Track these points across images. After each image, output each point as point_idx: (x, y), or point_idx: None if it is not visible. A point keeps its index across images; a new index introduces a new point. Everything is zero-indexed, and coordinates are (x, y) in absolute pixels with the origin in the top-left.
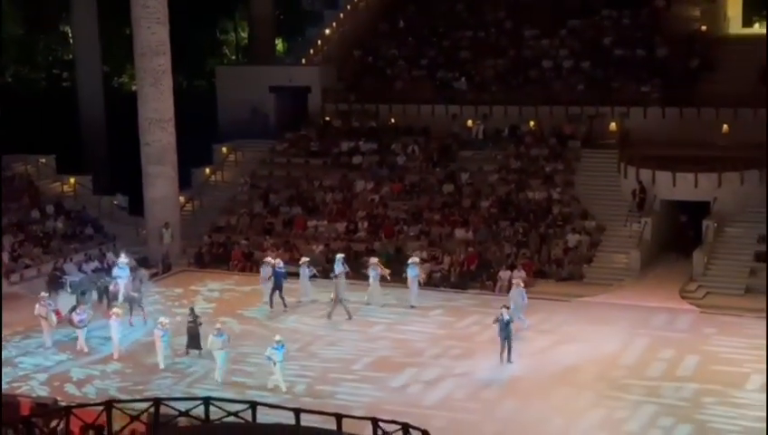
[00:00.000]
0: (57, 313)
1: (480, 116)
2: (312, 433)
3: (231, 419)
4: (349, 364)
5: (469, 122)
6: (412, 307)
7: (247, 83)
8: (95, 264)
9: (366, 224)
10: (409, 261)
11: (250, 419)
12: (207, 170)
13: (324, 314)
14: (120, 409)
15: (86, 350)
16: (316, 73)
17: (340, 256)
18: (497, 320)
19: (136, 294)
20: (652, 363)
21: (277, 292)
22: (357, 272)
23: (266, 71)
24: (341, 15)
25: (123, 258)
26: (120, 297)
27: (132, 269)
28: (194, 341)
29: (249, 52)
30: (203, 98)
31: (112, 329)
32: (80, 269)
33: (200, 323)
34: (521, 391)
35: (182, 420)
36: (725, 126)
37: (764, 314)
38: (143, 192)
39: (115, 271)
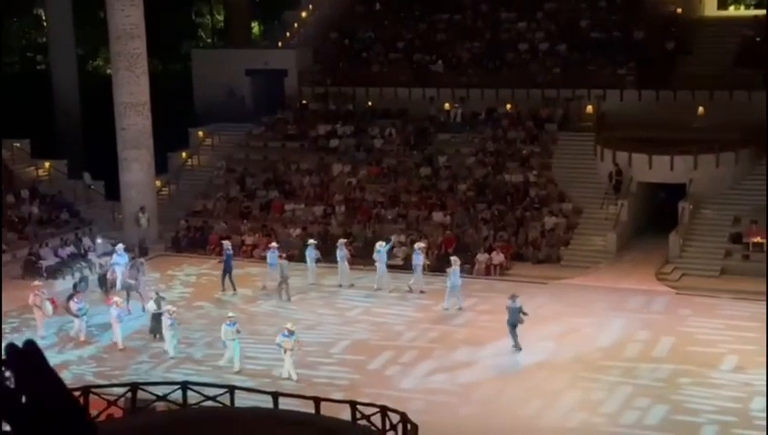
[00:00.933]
0: (53, 301)
1: (457, 99)
2: (290, 417)
3: (209, 403)
4: (327, 348)
5: (446, 105)
6: (422, 292)
7: (223, 67)
8: (71, 248)
9: (343, 207)
10: (415, 247)
11: (228, 403)
12: (184, 154)
13: (320, 299)
14: (97, 394)
15: (83, 338)
16: (292, 56)
17: (342, 241)
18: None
19: (133, 281)
20: (628, 345)
21: (228, 275)
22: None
23: (242, 54)
24: None
25: (121, 244)
26: (118, 284)
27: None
28: (155, 326)
29: (225, 35)
30: (179, 81)
31: (113, 317)
32: (56, 254)
33: (161, 313)
34: (498, 374)
35: (160, 405)
36: (701, 108)
37: (740, 296)
38: (119, 176)
39: (114, 257)
